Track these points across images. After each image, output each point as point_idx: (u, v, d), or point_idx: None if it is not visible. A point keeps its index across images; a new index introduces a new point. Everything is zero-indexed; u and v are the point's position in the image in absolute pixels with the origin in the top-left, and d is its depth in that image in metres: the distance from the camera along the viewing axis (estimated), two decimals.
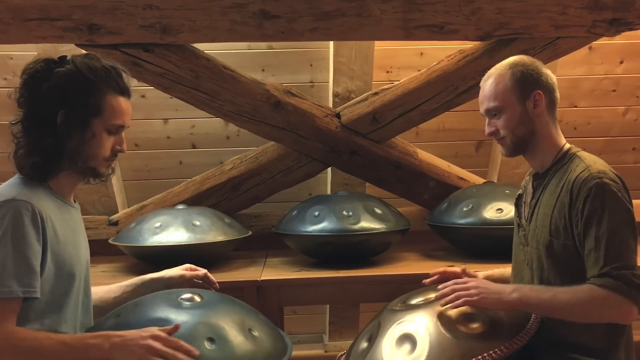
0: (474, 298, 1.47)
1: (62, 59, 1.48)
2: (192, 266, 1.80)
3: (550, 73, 1.67)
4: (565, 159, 1.62)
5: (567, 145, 1.66)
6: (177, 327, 1.37)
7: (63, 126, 1.43)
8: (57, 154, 1.44)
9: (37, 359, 1.31)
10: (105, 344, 1.32)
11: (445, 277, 1.74)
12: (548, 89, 1.64)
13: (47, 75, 1.43)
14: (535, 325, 1.51)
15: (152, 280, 1.74)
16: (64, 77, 1.43)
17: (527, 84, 1.63)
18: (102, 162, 1.50)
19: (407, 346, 1.46)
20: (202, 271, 1.79)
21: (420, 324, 1.49)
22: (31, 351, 1.29)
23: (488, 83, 1.67)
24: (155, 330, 1.35)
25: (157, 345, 1.31)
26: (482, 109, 1.70)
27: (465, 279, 1.59)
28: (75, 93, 1.43)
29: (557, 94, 1.68)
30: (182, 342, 1.35)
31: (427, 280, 1.76)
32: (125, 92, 1.51)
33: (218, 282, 1.80)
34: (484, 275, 1.83)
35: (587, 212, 1.48)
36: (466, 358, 1.39)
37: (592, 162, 1.55)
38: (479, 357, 1.38)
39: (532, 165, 1.73)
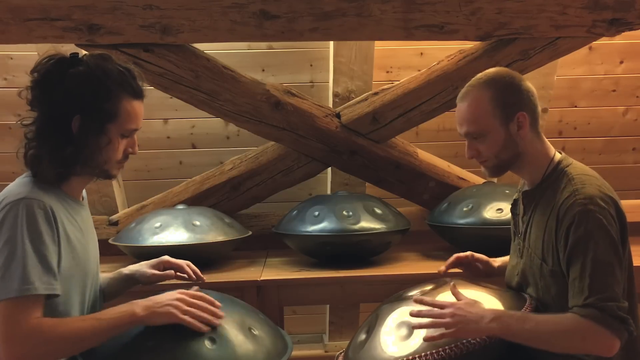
0: (451, 330, 1.38)
1: (75, 58, 1.42)
2: (167, 259, 1.73)
3: (529, 85, 1.57)
4: (555, 174, 1.54)
5: (557, 156, 1.57)
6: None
7: (79, 132, 1.39)
8: (75, 161, 1.41)
9: (76, 340, 1.31)
10: (136, 308, 1.37)
11: (459, 262, 1.81)
12: (530, 108, 1.54)
13: (60, 76, 1.38)
14: (530, 311, 1.52)
15: (128, 275, 1.70)
16: (78, 80, 1.38)
17: (509, 106, 1.52)
18: (115, 165, 1.48)
19: (403, 331, 1.49)
20: (181, 262, 1.73)
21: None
22: (69, 334, 1.30)
23: (465, 105, 1.57)
24: (180, 290, 1.45)
25: (186, 298, 1.41)
26: (460, 131, 1.59)
27: (444, 303, 1.45)
28: (90, 98, 1.38)
29: (539, 108, 1.59)
30: (207, 296, 1.46)
31: (443, 268, 1.79)
32: (139, 95, 1.48)
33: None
34: (502, 262, 1.84)
35: (571, 240, 1.41)
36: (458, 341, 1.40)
37: (580, 184, 1.45)
38: (472, 340, 1.40)
39: (523, 178, 1.66)
